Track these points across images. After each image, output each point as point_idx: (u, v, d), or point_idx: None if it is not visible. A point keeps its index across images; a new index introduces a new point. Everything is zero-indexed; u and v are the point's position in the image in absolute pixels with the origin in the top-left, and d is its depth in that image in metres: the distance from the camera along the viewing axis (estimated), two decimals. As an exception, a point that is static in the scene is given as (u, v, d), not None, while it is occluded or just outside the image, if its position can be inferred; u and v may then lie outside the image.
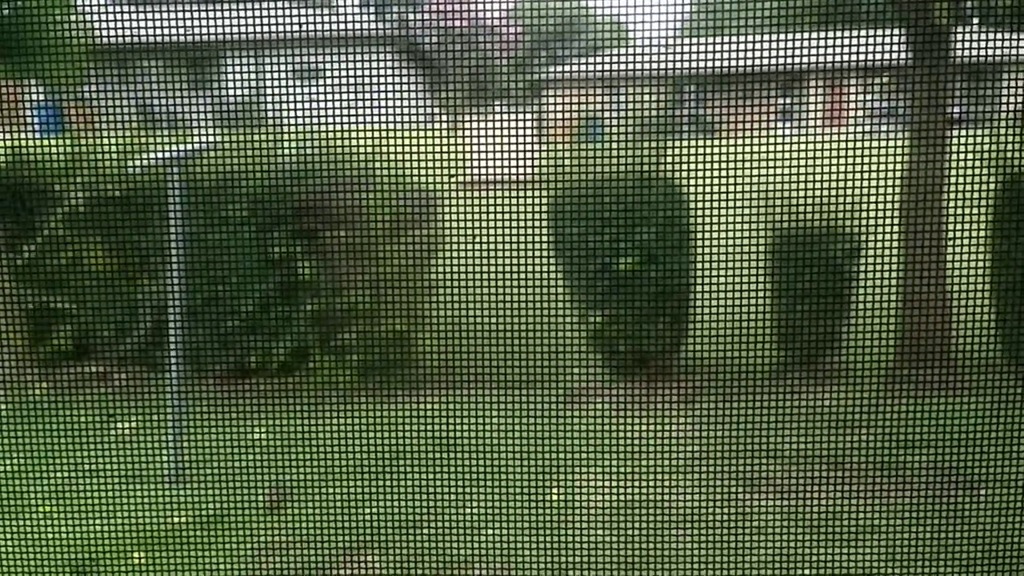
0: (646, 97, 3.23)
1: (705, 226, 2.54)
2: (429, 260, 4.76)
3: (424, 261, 4.74)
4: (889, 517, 3.47)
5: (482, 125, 2.65)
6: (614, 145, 4.72)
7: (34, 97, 4.88)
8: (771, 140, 2.47)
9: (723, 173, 2.44)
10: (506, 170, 2.55)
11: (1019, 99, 3.99)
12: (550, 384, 3.27)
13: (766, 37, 2.32)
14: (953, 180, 2.51)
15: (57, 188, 4.75)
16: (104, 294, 4.06)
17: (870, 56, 2.39)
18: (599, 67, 4.15)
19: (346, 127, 2.60)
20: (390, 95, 2.66)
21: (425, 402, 4.11)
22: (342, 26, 2.65)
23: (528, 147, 2.60)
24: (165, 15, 2.47)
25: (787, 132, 4.86)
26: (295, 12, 2.53)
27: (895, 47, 2.61)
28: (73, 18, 3.06)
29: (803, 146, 2.43)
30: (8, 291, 4.47)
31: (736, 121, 4.11)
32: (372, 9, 5.64)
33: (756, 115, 3.95)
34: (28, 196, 4.88)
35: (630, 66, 2.83)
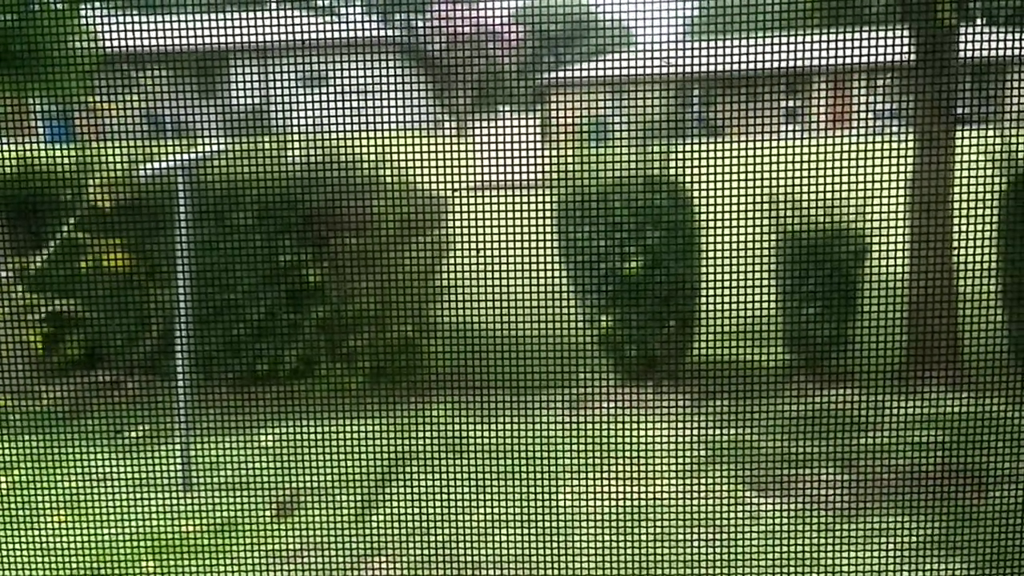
0: (651, 100, 3.23)
1: (711, 228, 2.53)
2: (436, 265, 4.76)
3: (431, 266, 4.75)
4: (899, 517, 3.45)
5: (487, 129, 2.66)
6: (620, 148, 4.72)
7: (41, 107, 4.90)
8: (777, 142, 2.47)
9: (729, 175, 2.44)
10: (512, 174, 2.55)
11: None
12: (559, 388, 3.27)
13: (771, 38, 2.32)
14: (960, 180, 2.51)
15: (66, 198, 4.77)
16: (114, 302, 4.08)
17: (876, 56, 2.39)
18: (604, 70, 4.15)
19: (352, 133, 2.61)
20: (396, 100, 2.66)
21: (434, 407, 4.11)
22: (348, 32, 2.67)
23: (534, 151, 2.60)
24: (172, 23, 2.48)
25: (793, 133, 4.86)
26: (302, 18, 2.54)
27: (900, 47, 2.61)
28: (80, 27, 3.08)
29: (809, 147, 2.43)
30: (19, 300, 4.49)
31: (741, 123, 4.11)
32: (378, 15, 5.66)
33: (761, 117, 3.95)
34: (38, 206, 4.91)
35: (635, 69, 2.84)
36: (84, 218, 4.57)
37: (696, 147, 2.62)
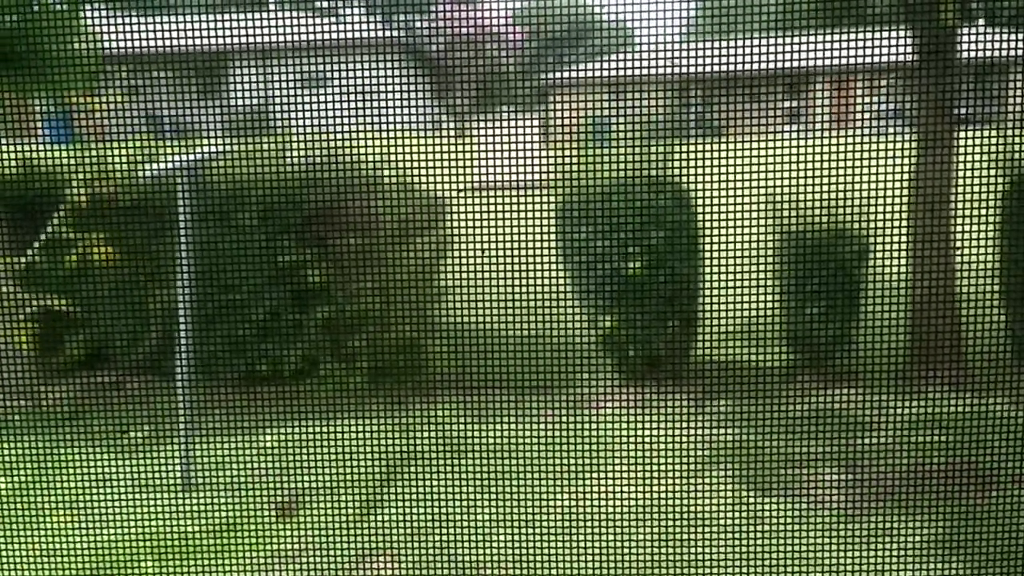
0: (653, 100, 3.23)
1: (713, 229, 2.53)
2: (438, 266, 4.76)
3: (433, 267, 4.75)
4: (902, 518, 3.45)
5: (489, 129, 2.66)
6: (621, 149, 4.71)
7: (44, 107, 4.90)
8: (778, 142, 2.47)
9: (731, 175, 2.44)
10: (513, 174, 2.55)
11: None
12: (561, 389, 3.26)
13: (772, 39, 2.32)
14: (961, 180, 2.50)
15: (69, 198, 4.78)
16: (116, 303, 4.09)
17: (877, 57, 2.39)
18: (606, 70, 4.15)
19: (353, 134, 2.61)
20: (397, 101, 2.66)
21: (436, 408, 4.11)
22: (349, 33, 2.67)
23: (534, 151, 2.60)
24: (174, 24, 2.48)
25: (794, 134, 4.86)
26: (303, 20, 2.54)
27: (902, 47, 2.61)
28: (82, 27, 3.08)
29: (811, 148, 2.42)
30: (20, 300, 4.49)
31: (743, 123, 4.11)
32: (379, 16, 5.66)
33: (763, 117, 3.95)
34: (40, 207, 4.91)
35: (636, 69, 2.83)
36: (80, 216, 4.58)
37: (698, 147, 2.62)
